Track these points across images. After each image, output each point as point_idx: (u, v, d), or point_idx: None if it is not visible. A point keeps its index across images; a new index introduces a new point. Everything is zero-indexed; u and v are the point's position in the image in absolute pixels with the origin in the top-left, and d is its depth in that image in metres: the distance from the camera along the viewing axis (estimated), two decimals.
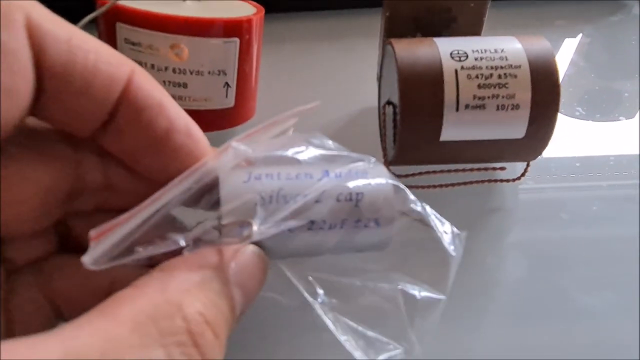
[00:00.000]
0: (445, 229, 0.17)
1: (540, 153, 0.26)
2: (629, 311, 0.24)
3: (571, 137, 0.34)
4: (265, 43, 0.30)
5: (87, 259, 0.14)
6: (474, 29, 0.30)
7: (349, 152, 0.17)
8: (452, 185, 0.27)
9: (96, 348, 0.11)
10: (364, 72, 0.35)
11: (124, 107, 0.14)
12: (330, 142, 0.18)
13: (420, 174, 0.27)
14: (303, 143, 0.17)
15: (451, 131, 0.24)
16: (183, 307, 0.12)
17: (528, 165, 0.27)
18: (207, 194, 0.16)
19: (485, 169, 0.27)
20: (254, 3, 0.30)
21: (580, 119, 0.36)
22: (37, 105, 0.13)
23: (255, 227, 0.15)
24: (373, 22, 0.32)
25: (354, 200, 0.15)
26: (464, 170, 0.27)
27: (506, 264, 0.26)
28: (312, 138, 0.18)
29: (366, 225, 0.16)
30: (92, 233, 0.14)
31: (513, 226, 0.27)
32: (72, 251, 0.16)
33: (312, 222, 0.15)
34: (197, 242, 0.15)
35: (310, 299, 0.16)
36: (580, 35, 0.44)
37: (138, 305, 0.12)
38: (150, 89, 0.15)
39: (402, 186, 0.17)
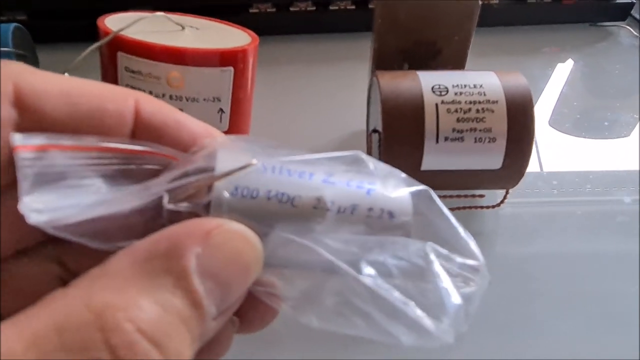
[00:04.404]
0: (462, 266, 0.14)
1: (517, 182, 0.27)
2: (591, 333, 0.25)
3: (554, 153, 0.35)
4: (259, 65, 0.31)
5: (32, 214, 0.11)
6: (459, 60, 0.32)
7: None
8: None
9: None
10: (355, 95, 0.36)
11: (143, 137, 0.14)
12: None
13: None
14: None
15: (431, 161, 0.25)
16: (104, 314, 0.10)
17: (507, 192, 0.29)
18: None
19: (465, 196, 0.28)
20: (250, 31, 0.32)
21: (574, 135, 0.38)
22: None
23: (254, 160, 0.13)
24: (365, 46, 0.33)
25: (365, 188, 0.14)
26: (444, 197, 0.28)
27: None
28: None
29: (379, 216, 0.14)
30: (18, 140, 0.11)
31: (491, 250, 0.29)
32: None
33: (319, 199, 0.13)
34: (180, 203, 0.13)
35: (352, 272, 0.13)
36: (569, 60, 0.45)
37: (51, 313, 0.10)
38: (160, 109, 0.14)
39: (424, 186, 0.15)
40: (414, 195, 0.14)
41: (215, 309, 0.12)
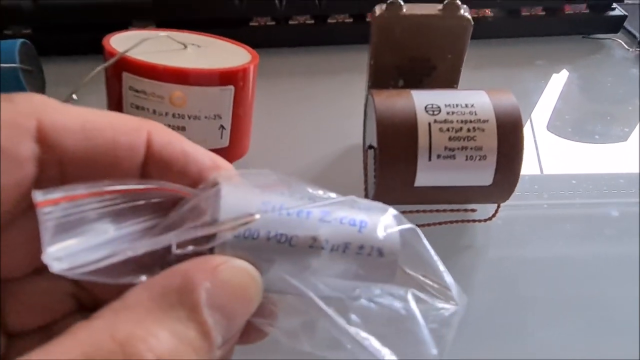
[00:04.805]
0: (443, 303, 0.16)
1: (507, 198, 0.28)
2: (587, 339, 0.26)
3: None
4: (259, 77, 0.32)
5: (54, 263, 0.12)
6: (453, 76, 0.33)
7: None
8: (428, 225, 0.29)
9: None
10: (353, 107, 0.37)
11: (152, 168, 0.15)
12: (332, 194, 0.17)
13: None
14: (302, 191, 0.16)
15: (424, 178, 0.26)
16: (128, 345, 0.11)
17: (498, 206, 0.30)
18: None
19: (458, 210, 0.29)
20: (250, 49, 0.33)
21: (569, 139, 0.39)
22: None
23: (257, 215, 0.14)
24: (363, 58, 0.34)
25: (358, 225, 0.15)
26: (437, 210, 0.29)
27: (474, 298, 0.28)
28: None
29: (369, 254, 0.15)
30: (39, 197, 0.12)
31: (482, 262, 0.30)
32: (93, 310, 0.16)
33: (314, 238, 0.15)
34: (186, 247, 0.14)
35: (339, 321, 0.15)
36: (563, 71, 0.46)
37: (78, 343, 0.11)
38: (169, 141, 0.15)
39: (412, 225, 0.16)
40: (403, 232, 0.16)
41: (221, 339, 0.13)
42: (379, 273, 0.15)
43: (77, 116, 0.14)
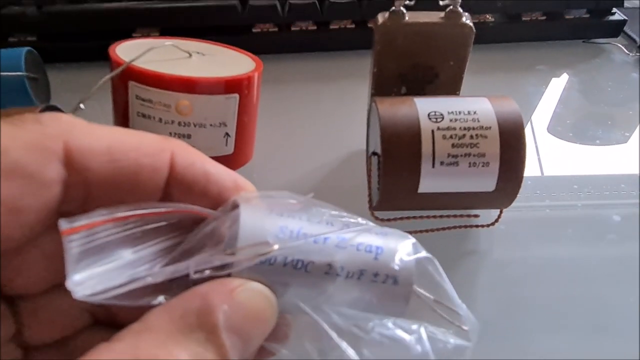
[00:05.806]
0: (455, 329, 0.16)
1: (510, 203, 0.28)
2: (589, 344, 0.26)
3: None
4: (261, 83, 0.32)
5: (77, 289, 0.12)
6: (455, 83, 0.33)
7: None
8: (431, 230, 0.30)
9: None
10: (356, 113, 0.37)
11: (174, 188, 0.15)
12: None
13: (401, 219, 0.30)
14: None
15: (428, 184, 0.27)
16: None
17: (501, 212, 0.30)
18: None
19: (461, 215, 0.29)
20: (254, 56, 0.33)
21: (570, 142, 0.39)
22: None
23: (276, 246, 0.14)
24: (365, 63, 0.34)
25: (374, 252, 0.15)
26: (441, 216, 0.30)
27: (478, 303, 0.28)
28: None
29: (384, 281, 0.15)
30: (64, 225, 0.13)
31: (486, 267, 0.30)
32: (108, 325, 0.16)
33: (330, 265, 0.15)
34: (204, 271, 0.14)
35: (338, 340, 0.15)
36: (564, 75, 0.47)
37: None
38: (192, 162, 0.15)
39: (429, 255, 0.16)
40: (420, 261, 0.16)
41: None
42: (393, 301, 0.16)
43: (102, 137, 0.14)
